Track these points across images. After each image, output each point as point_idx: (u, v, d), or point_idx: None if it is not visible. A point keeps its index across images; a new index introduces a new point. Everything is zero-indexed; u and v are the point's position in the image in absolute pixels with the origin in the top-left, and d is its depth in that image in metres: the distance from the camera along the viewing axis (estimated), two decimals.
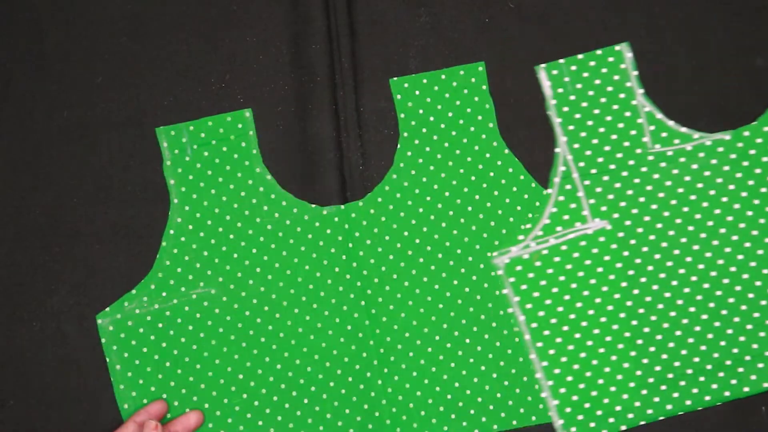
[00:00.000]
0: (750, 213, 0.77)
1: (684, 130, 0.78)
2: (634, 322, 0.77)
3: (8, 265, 0.80)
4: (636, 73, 0.79)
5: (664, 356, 0.77)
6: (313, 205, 0.79)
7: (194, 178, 0.79)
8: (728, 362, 0.77)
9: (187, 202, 0.79)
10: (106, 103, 0.81)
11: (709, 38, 0.80)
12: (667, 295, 0.77)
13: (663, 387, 0.77)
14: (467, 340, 0.77)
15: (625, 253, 0.78)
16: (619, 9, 0.81)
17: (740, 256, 0.77)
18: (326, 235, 0.79)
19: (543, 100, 0.80)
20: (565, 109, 0.79)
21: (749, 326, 0.77)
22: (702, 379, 0.77)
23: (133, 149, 0.80)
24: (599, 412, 0.77)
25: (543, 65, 0.80)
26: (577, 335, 0.77)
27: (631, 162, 0.78)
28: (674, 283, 0.78)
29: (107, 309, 0.78)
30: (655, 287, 0.77)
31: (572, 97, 0.79)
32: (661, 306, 0.77)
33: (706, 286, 0.77)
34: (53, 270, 0.80)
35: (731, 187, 0.78)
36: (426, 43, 0.81)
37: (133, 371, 0.78)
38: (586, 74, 0.80)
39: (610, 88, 0.79)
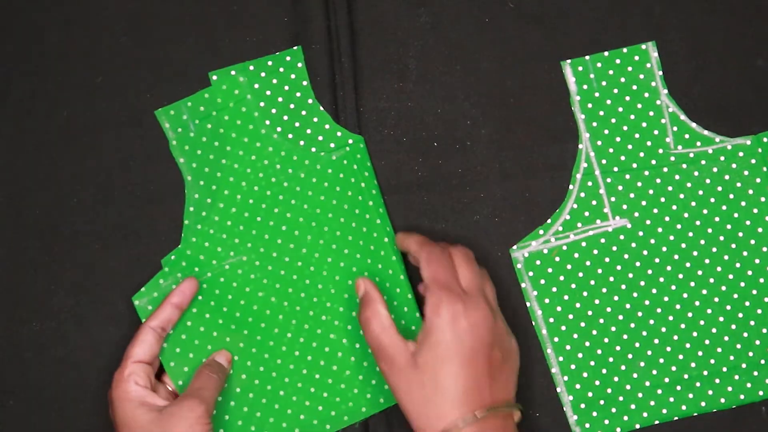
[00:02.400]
0: None
1: (706, 133, 0.78)
2: (651, 321, 0.77)
3: (8, 265, 0.79)
4: (661, 72, 0.79)
5: (680, 356, 0.76)
6: (332, 145, 0.79)
7: (202, 152, 0.79)
8: (744, 365, 0.76)
9: (200, 177, 0.79)
10: (106, 103, 0.81)
11: (709, 39, 0.80)
12: (685, 296, 0.77)
13: (678, 387, 0.76)
14: None
15: (645, 252, 0.77)
16: (619, 10, 0.81)
17: (757, 260, 0.77)
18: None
19: (543, 100, 0.80)
20: (589, 105, 0.79)
21: (765, 330, 0.77)
22: (717, 381, 0.76)
23: (133, 149, 0.80)
24: (614, 410, 0.76)
25: (568, 61, 0.80)
26: (594, 332, 0.77)
27: (653, 162, 0.78)
28: (692, 284, 0.77)
29: (143, 289, 0.77)
30: (673, 287, 0.77)
31: (597, 94, 0.79)
32: (678, 306, 0.77)
33: (723, 288, 0.77)
34: (53, 270, 0.79)
35: (750, 191, 0.78)
36: (426, 43, 0.81)
37: (188, 335, 0.77)
38: (611, 72, 0.79)
39: (634, 87, 0.79)
